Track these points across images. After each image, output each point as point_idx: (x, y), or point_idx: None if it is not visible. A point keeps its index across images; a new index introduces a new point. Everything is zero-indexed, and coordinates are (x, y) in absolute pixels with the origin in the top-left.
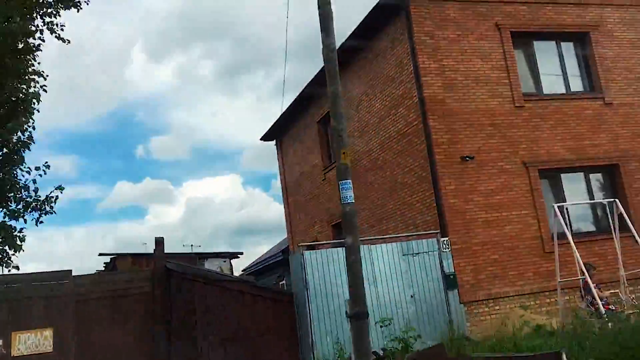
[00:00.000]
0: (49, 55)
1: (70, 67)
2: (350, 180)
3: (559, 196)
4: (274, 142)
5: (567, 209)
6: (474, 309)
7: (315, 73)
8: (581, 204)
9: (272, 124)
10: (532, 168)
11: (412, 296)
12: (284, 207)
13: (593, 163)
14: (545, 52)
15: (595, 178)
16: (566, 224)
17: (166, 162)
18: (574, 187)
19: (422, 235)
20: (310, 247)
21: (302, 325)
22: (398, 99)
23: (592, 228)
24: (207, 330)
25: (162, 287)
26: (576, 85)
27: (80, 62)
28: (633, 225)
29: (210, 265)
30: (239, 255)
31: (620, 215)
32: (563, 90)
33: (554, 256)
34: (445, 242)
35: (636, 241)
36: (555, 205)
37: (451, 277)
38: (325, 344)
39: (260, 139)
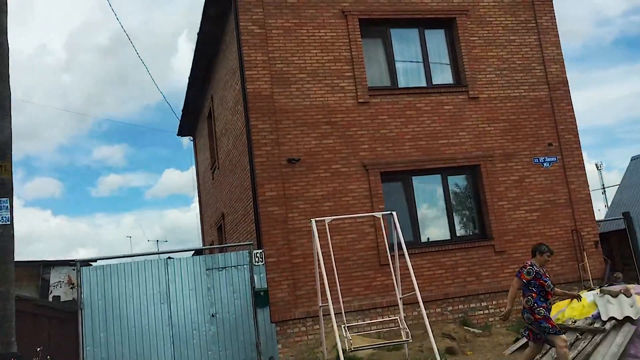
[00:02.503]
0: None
1: (121, 58)
2: (7, 199)
3: (410, 202)
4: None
5: (417, 217)
6: (287, 329)
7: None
8: (354, 217)
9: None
10: (373, 171)
11: (213, 316)
12: (198, 208)
13: (451, 164)
14: (405, 41)
15: (455, 181)
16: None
17: None
18: (428, 191)
19: (232, 247)
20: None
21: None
22: (238, 94)
23: (443, 237)
24: None
25: None
26: (441, 77)
27: (131, 53)
28: (491, 233)
29: (57, 274)
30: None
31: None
32: (423, 84)
33: (390, 269)
34: (258, 254)
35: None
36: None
37: (261, 293)
38: None
39: (178, 135)
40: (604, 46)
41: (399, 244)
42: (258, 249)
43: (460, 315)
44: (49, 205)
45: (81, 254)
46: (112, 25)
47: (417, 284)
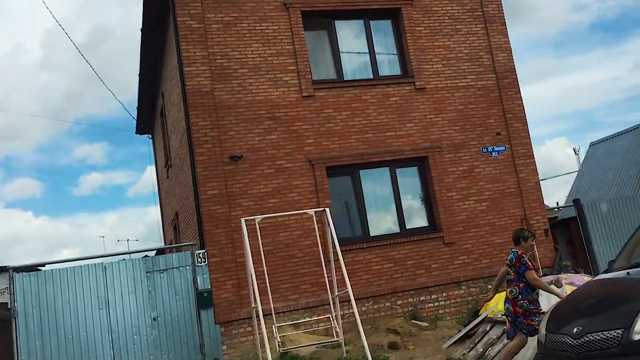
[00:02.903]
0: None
1: (98, 55)
2: None
3: (359, 195)
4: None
5: (365, 211)
6: (232, 330)
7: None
8: (285, 215)
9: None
10: (318, 165)
11: (154, 319)
12: (159, 208)
13: (398, 156)
14: (350, 33)
15: (404, 173)
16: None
17: None
18: (377, 184)
19: (174, 248)
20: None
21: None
22: (180, 91)
23: (392, 231)
24: None
25: None
26: (389, 69)
27: (108, 50)
28: (440, 225)
29: (4, 280)
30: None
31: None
32: (370, 75)
33: (337, 265)
34: (201, 255)
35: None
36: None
37: (205, 294)
38: None
39: (136, 133)
40: (582, 31)
41: (335, 240)
42: (201, 248)
43: (410, 308)
44: (30, 206)
45: (65, 255)
46: (89, 22)
47: (366, 278)
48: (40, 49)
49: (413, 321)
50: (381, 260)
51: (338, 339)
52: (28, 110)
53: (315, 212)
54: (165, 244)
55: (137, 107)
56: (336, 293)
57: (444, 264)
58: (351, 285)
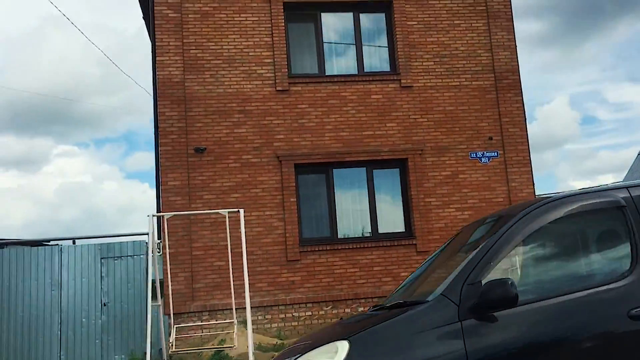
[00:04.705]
0: None
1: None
2: None
3: (330, 195)
4: None
5: (335, 211)
6: (182, 322)
7: None
8: (197, 213)
9: None
10: (286, 162)
11: (104, 304)
12: None
13: (375, 157)
14: (338, 26)
15: (382, 175)
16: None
17: None
18: (351, 185)
19: (132, 235)
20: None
21: None
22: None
23: (361, 234)
24: None
25: None
26: (376, 65)
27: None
28: (414, 233)
29: None
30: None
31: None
32: (354, 71)
33: (299, 265)
34: (156, 245)
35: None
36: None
37: (156, 285)
38: None
39: None
40: None
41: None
42: (158, 238)
43: None
44: (146, 178)
45: None
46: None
47: (327, 281)
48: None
49: None
50: (345, 264)
51: (232, 345)
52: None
53: (229, 212)
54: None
55: None
56: (248, 299)
57: None
58: (310, 288)
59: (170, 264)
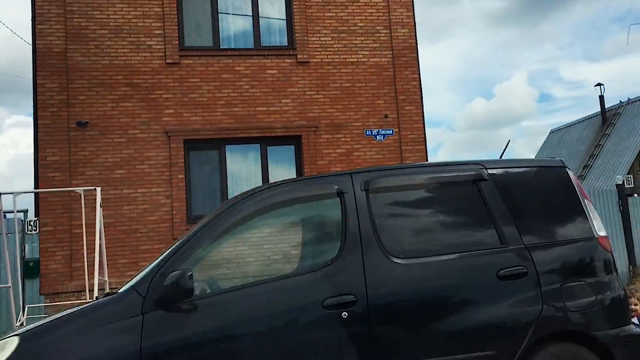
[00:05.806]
0: None
1: None
2: None
3: (222, 172)
4: None
5: (227, 189)
6: (59, 302)
7: None
8: (44, 191)
9: None
10: (175, 138)
11: None
12: None
13: (269, 134)
14: None
15: (277, 152)
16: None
17: None
18: (245, 162)
19: (5, 213)
20: None
21: None
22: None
23: None
24: None
25: None
26: (274, 40)
27: None
28: None
29: None
30: None
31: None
32: (250, 45)
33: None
34: (32, 222)
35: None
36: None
37: (31, 263)
38: None
39: None
40: None
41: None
42: (35, 216)
43: None
44: None
45: None
46: None
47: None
48: None
49: None
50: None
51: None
52: None
53: (84, 190)
54: None
55: None
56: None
57: None
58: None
59: (48, 242)
